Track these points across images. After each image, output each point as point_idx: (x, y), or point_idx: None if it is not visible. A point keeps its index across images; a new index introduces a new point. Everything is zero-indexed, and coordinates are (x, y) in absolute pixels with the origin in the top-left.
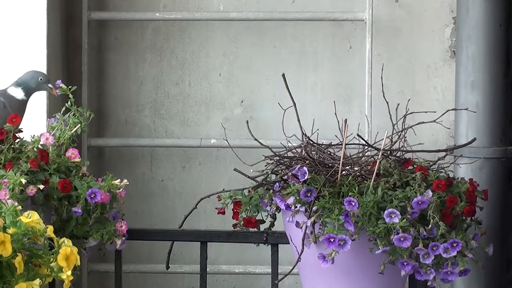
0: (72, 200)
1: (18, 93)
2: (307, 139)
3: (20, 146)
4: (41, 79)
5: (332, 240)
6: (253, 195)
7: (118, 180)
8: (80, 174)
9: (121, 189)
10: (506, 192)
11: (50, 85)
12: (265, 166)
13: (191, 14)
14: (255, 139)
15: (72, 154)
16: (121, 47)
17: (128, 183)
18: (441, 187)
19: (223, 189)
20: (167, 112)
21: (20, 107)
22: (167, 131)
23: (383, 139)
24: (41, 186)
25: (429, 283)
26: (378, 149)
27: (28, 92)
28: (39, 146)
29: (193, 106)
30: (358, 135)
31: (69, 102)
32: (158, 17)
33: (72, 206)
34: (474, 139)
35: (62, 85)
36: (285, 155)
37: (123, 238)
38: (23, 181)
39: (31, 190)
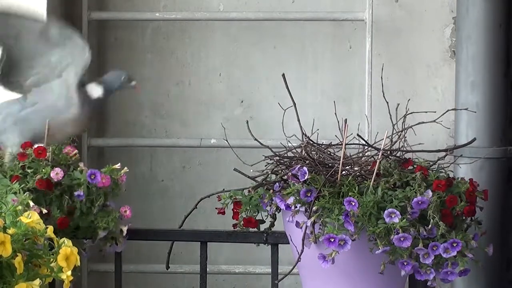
0: (74, 190)
1: (96, 91)
2: (307, 139)
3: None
4: (124, 78)
5: (332, 240)
6: (253, 195)
7: (118, 164)
8: (79, 170)
9: (122, 174)
10: (506, 192)
11: (133, 83)
12: (265, 166)
13: (191, 14)
14: (255, 139)
15: (69, 150)
16: (121, 47)
17: (128, 170)
18: (441, 187)
19: (223, 189)
20: (167, 112)
21: (94, 104)
22: (167, 131)
23: (383, 139)
24: (44, 211)
25: (429, 283)
26: (378, 149)
27: (109, 91)
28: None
29: (193, 106)
30: (358, 135)
31: None
32: (158, 17)
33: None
34: (474, 139)
35: None
36: (285, 155)
37: (129, 224)
38: (31, 203)
39: (34, 210)
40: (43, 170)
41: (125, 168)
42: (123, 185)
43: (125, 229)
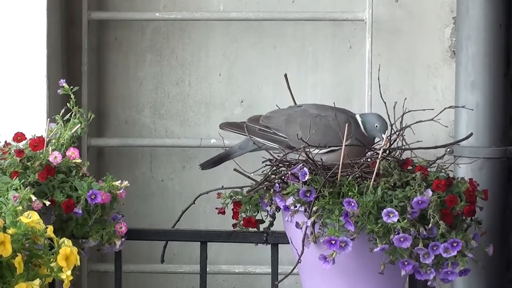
0: (73, 200)
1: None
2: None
3: (28, 157)
4: (376, 126)
5: (333, 242)
6: (253, 195)
7: (119, 182)
8: (80, 174)
9: (122, 190)
10: (506, 192)
11: (383, 135)
12: (263, 162)
13: (191, 14)
14: (254, 142)
15: (73, 153)
16: (121, 47)
17: (128, 184)
18: (441, 187)
19: (222, 186)
20: (167, 112)
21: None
22: (167, 131)
23: (382, 138)
24: (47, 203)
25: (429, 283)
26: (377, 150)
27: (367, 131)
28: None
29: (193, 106)
30: (356, 138)
31: (70, 102)
32: (158, 17)
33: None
34: (471, 134)
35: (64, 84)
36: (285, 158)
37: (122, 239)
38: (33, 198)
39: (37, 204)
40: (41, 155)
41: (126, 182)
42: (122, 200)
43: (118, 243)
